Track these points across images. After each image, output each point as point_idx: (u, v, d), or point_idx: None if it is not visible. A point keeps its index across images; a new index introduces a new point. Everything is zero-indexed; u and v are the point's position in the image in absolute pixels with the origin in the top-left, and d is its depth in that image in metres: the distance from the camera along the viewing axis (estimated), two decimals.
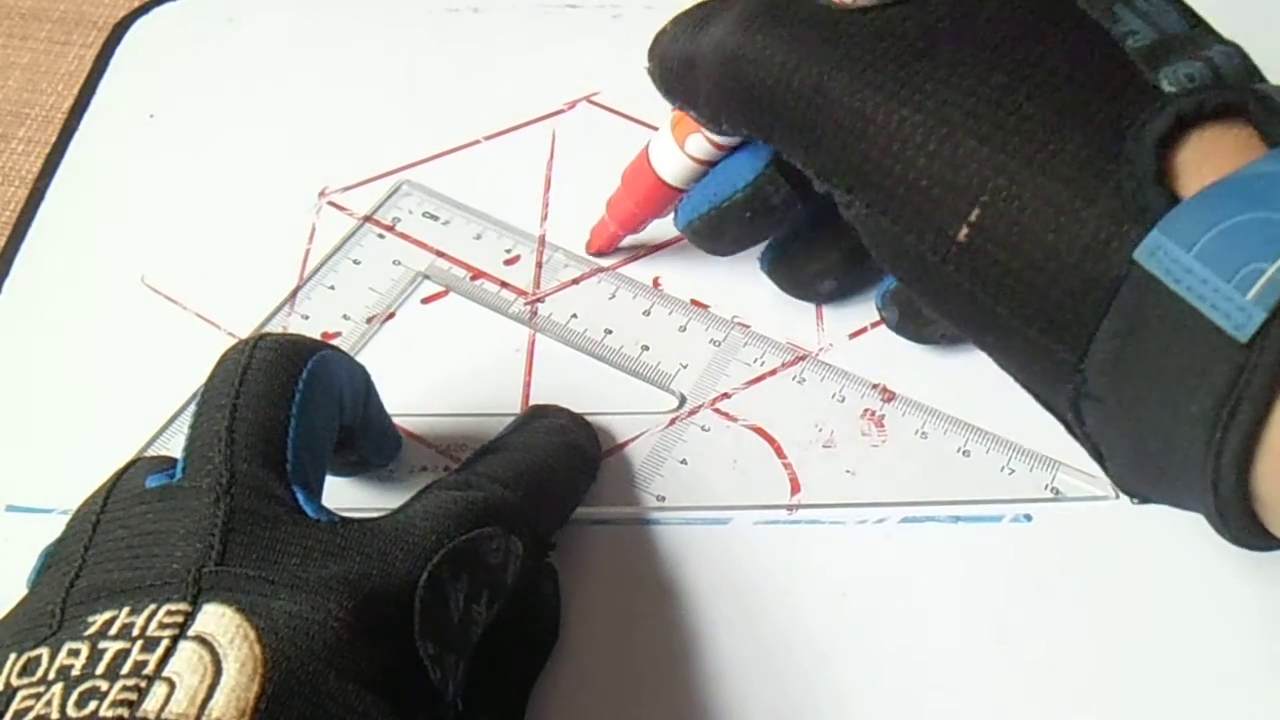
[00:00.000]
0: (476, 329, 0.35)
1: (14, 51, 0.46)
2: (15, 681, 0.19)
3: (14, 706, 0.19)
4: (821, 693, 0.28)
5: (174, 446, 0.33)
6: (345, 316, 0.36)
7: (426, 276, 0.36)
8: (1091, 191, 0.22)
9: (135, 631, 0.20)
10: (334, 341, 0.35)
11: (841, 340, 0.34)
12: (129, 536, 0.22)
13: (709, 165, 0.32)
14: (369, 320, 0.35)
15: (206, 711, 0.19)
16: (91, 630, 0.20)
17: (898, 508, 0.31)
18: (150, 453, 0.33)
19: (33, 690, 0.19)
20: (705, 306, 0.35)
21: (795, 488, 0.31)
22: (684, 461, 0.32)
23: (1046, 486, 0.31)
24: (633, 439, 0.32)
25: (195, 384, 0.27)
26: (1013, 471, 0.31)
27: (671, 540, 0.31)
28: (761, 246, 0.34)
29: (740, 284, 0.36)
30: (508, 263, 0.37)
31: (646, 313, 0.35)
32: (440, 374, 0.34)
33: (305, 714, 0.19)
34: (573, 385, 0.33)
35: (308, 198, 0.39)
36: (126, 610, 0.20)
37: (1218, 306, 0.20)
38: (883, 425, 0.33)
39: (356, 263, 0.37)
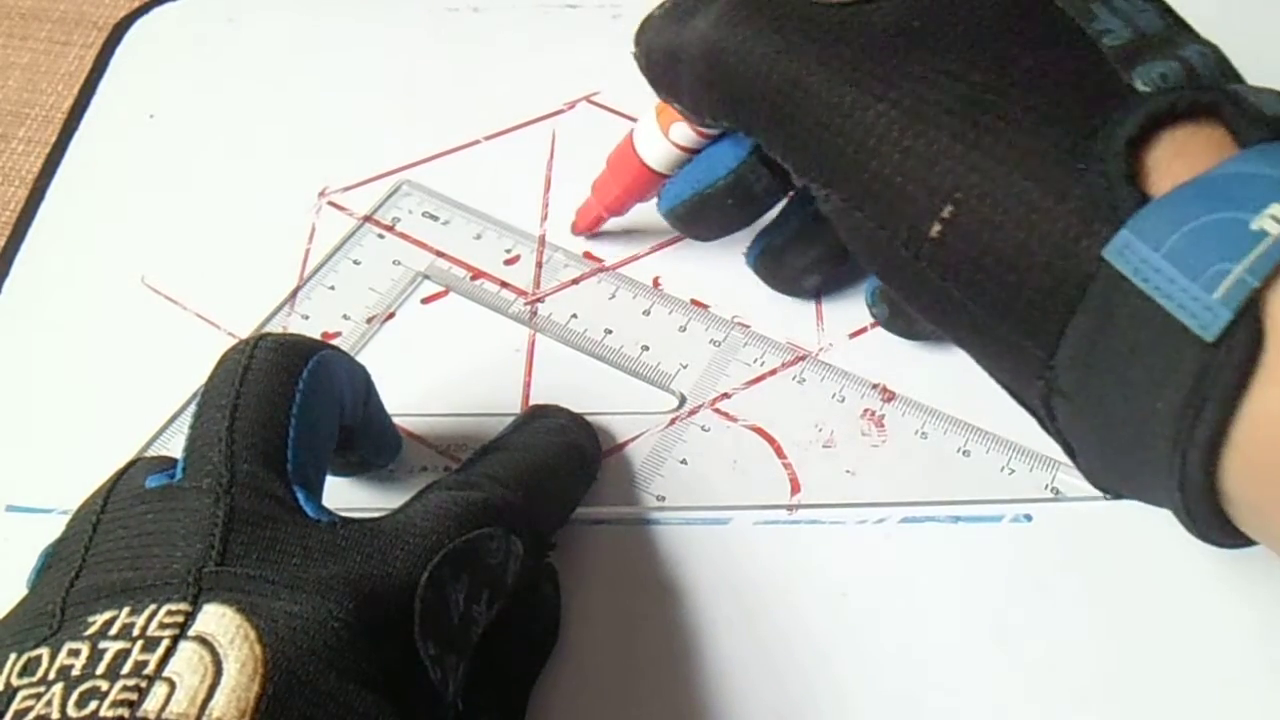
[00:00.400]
0: (476, 329, 0.35)
1: (14, 51, 0.46)
2: (15, 681, 0.19)
3: (14, 706, 0.19)
4: (821, 692, 0.28)
5: (174, 446, 0.33)
6: (345, 316, 0.36)
7: (426, 276, 0.36)
8: (1063, 189, 0.22)
9: (135, 631, 0.20)
10: (334, 341, 0.35)
11: (841, 340, 0.34)
12: (129, 536, 0.22)
13: (693, 152, 0.32)
14: (369, 320, 0.35)
15: (207, 712, 0.19)
16: (92, 630, 0.20)
17: (898, 508, 0.31)
18: (150, 453, 0.33)
19: (33, 690, 0.19)
20: (705, 306, 0.35)
21: (795, 488, 0.31)
22: (684, 461, 0.32)
23: (1046, 486, 0.31)
24: (633, 439, 0.32)
25: (195, 384, 0.27)
26: (1013, 471, 0.31)
27: (672, 540, 0.31)
28: (750, 242, 0.34)
29: (740, 284, 0.36)
30: (508, 263, 0.37)
31: (646, 313, 0.35)
32: (440, 374, 0.34)
33: (305, 714, 0.19)
34: (573, 385, 0.33)
35: (308, 198, 0.39)
36: (127, 610, 0.20)
37: (1185, 306, 0.20)
38: (883, 425, 0.33)
39: (356, 263, 0.37)
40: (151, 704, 0.19)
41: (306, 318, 0.36)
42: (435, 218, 0.38)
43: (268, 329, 0.35)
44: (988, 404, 0.32)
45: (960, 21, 0.24)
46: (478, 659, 0.25)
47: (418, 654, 0.22)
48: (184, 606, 0.20)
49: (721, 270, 0.36)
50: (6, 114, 0.43)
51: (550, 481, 0.29)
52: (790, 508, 0.31)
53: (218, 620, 0.20)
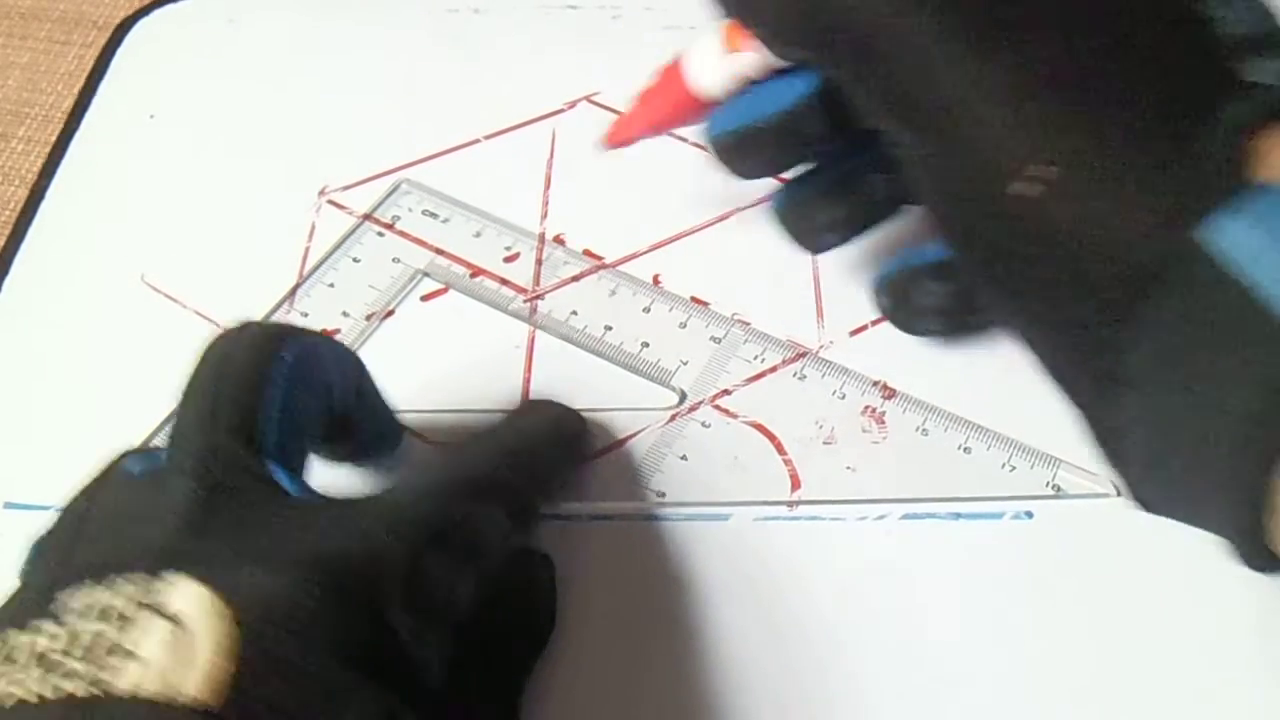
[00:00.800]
0: (476, 326, 0.35)
1: (14, 51, 0.46)
2: None
3: None
4: (821, 689, 0.28)
5: None
6: (345, 314, 0.36)
7: (426, 274, 0.36)
8: (1164, 168, 0.22)
9: (111, 611, 0.20)
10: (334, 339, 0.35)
11: (842, 337, 0.34)
12: (113, 520, 0.22)
13: (749, 84, 0.30)
14: (368, 317, 0.35)
15: (180, 689, 0.18)
16: (70, 612, 0.20)
17: (898, 504, 0.31)
18: None
19: (12, 676, 0.19)
20: (705, 304, 0.35)
21: (796, 484, 0.31)
22: (684, 457, 0.32)
23: (1048, 484, 0.31)
24: (633, 435, 0.32)
25: None
26: (1014, 469, 0.31)
27: (672, 536, 0.31)
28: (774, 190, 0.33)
29: (740, 282, 0.36)
30: (507, 260, 0.37)
31: (647, 309, 0.35)
32: (440, 370, 0.34)
33: (281, 690, 0.19)
34: (573, 381, 0.33)
35: (308, 197, 0.39)
36: (104, 590, 0.20)
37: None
38: (883, 422, 0.32)
39: (356, 260, 0.37)
40: (124, 682, 0.19)
41: (306, 315, 0.36)
42: (435, 215, 0.38)
43: None
44: (989, 401, 0.32)
45: None
46: (473, 648, 0.25)
47: (398, 631, 0.22)
48: (157, 584, 0.20)
49: (722, 268, 0.36)
50: (6, 114, 0.43)
51: (536, 458, 0.29)
52: (790, 504, 0.31)
53: (190, 597, 0.20)
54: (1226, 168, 0.21)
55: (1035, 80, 0.23)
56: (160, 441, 0.33)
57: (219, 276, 0.37)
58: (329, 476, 0.31)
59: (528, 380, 0.34)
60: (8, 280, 0.38)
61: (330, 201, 0.39)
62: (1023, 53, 0.23)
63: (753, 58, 0.30)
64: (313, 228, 0.38)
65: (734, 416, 0.33)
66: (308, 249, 0.37)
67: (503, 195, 0.38)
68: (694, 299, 0.35)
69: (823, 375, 0.34)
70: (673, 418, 0.33)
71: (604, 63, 0.42)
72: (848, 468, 0.32)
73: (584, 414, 0.32)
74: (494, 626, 0.26)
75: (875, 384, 0.33)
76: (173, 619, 0.19)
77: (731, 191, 0.36)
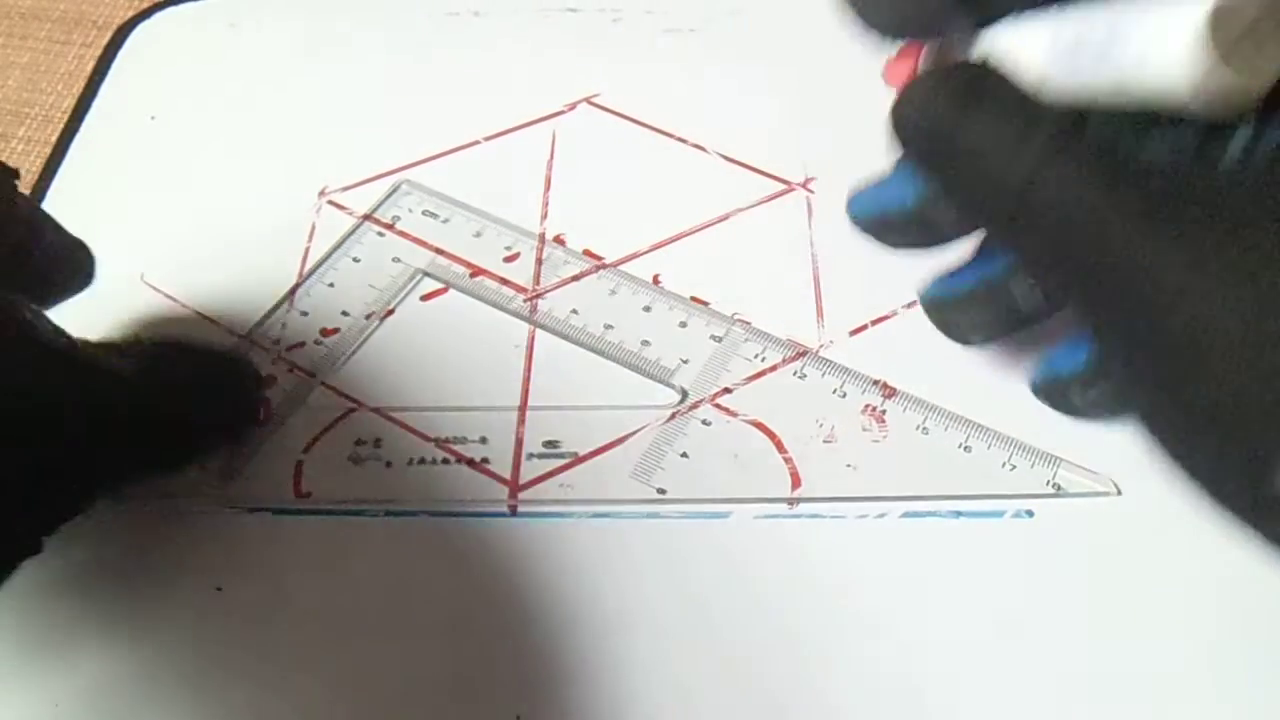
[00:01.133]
0: (477, 325, 0.35)
1: (14, 51, 0.46)
2: None
3: None
4: (821, 687, 0.28)
5: None
6: (344, 313, 0.36)
7: (426, 273, 0.36)
8: None
9: None
10: (333, 338, 0.35)
11: (842, 337, 0.34)
12: None
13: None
14: (368, 317, 0.35)
15: None
16: None
17: (899, 503, 0.31)
18: None
19: None
20: (705, 303, 0.35)
21: (796, 482, 0.31)
22: (685, 455, 0.32)
23: (1048, 482, 0.31)
24: (633, 432, 0.32)
25: None
26: (1014, 467, 0.31)
27: (672, 533, 0.31)
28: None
29: (739, 282, 0.36)
30: (508, 259, 0.37)
31: (647, 309, 0.35)
32: (440, 369, 0.34)
33: None
34: (573, 379, 0.33)
35: (308, 197, 0.39)
36: None
37: None
38: (884, 421, 0.32)
39: (356, 260, 0.37)
40: None
41: (305, 314, 0.36)
42: (435, 215, 0.38)
43: (266, 325, 0.35)
44: (989, 400, 0.32)
45: None
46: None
47: None
48: None
49: (721, 268, 0.36)
50: (6, 114, 0.43)
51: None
52: (791, 501, 0.31)
53: None
54: None
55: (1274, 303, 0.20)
56: None
57: (219, 276, 0.37)
58: (322, 465, 0.31)
59: (527, 379, 0.34)
60: None
61: (330, 202, 0.39)
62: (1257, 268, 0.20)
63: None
64: (313, 228, 0.38)
65: (734, 415, 0.33)
66: (307, 249, 0.37)
67: (503, 196, 0.38)
68: (694, 299, 0.35)
69: (823, 374, 0.34)
70: (673, 416, 0.33)
71: (604, 65, 0.42)
72: (848, 466, 0.32)
73: (584, 411, 0.32)
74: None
75: (875, 383, 0.33)
76: None
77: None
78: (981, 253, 0.29)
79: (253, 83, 0.43)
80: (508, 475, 0.32)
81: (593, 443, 0.32)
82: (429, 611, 0.30)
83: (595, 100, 0.41)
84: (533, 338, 0.35)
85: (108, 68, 0.44)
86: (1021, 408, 0.32)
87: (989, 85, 0.24)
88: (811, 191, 0.38)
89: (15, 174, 0.28)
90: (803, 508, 0.31)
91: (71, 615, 0.30)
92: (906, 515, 0.31)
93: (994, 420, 0.32)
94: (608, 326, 0.35)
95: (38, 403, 0.23)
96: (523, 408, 0.33)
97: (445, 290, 0.36)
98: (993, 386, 0.33)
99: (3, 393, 0.22)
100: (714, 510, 0.31)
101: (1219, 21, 0.20)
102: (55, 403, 0.24)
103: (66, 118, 0.42)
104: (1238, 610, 0.29)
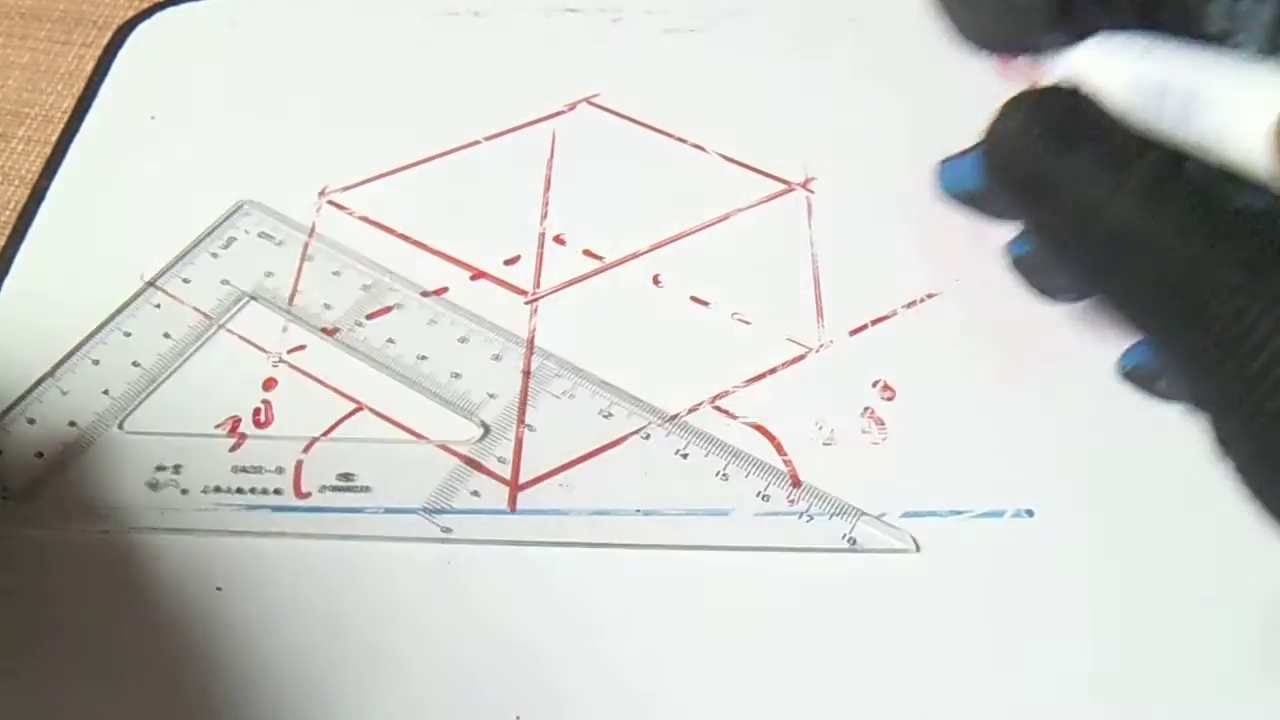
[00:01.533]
0: (476, 325, 0.35)
1: (14, 51, 0.46)
2: None
3: None
4: (822, 687, 0.28)
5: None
6: (341, 312, 0.36)
7: (426, 274, 0.37)
8: None
9: None
10: (333, 337, 0.35)
11: (842, 337, 0.34)
12: None
13: None
14: (368, 316, 0.36)
15: None
16: None
17: (898, 504, 0.31)
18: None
19: None
20: (705, 304, 0.35)
21: (795, 484, 0.31)
22: (684, 456, 0.32)
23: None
24: (634, 432, 0.32)
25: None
26: (1014, 467, 0.31)
27: (671, 534, 0.31)
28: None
29: (739, 283, 0.36)
30: (508, 262, 0.37)
31: (648, 309, 0.35)
32: (439, 368, 0.34)
33: None
34: (575, 379, 0.33)
35: (308, 197, 0.39)
36: None
37: None
38: (883, 423, 0.33)
39: (355, 260, 0.37)
40: None
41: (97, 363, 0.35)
42: (435, 216, 0.38)
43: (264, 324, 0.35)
44: (989, 400, 0.32)
45: None
46: None
47: None
48: None
49: (721, 269, 0.36)
50: (6, 114, 0.43)
51: None
52: (790, 503, 0.31)
53: None
54: None
55: None
56: None
57: (218, 277, 0.37)
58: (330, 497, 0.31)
59: (528, 378, 0.34)
60: (8, 280, 0.37)
61: (331, 202, 0.39)
62: None
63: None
64: (313, 228, 0.38)
65: (734, 417, 0.33)
66: (307, 248, 0.37)
67: (503, 196, 0.38)
68: (694, 299, 0.35)
69: (823, 376, 0.34)
70: (673, 417, 0.33)
71: (604, 65, 0.42)
72: (848, 467, 0.32)
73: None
74: None
75: (875, 384, 0.33)
76: None
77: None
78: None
79: (253, 82, 0.43)
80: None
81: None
82: (429, 611, 0.30)
83: (595, 100, 0.41)
84: (533, 337, 0.35)
85: (108, 68, 0.44)
86: (1022, 408, 0.32)
87: (1085, 118, 0.23)
88: (811, 191, 0.38)
89: None
90: (802, 509, 0.31)
91: (71, 616, 0.30)
92: (906, 515, 0.31)
93: (994, 420, 0.32)
94: (610, 328, 0.35)
95: None
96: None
97: (445, 290, 0.36)
98: (992, 386, 0.33)
99: None
100: (714, 510, 0.31)
101: None
102: None
103: (66, 118, 0.42)
104: (1237, 611, 0.29)
